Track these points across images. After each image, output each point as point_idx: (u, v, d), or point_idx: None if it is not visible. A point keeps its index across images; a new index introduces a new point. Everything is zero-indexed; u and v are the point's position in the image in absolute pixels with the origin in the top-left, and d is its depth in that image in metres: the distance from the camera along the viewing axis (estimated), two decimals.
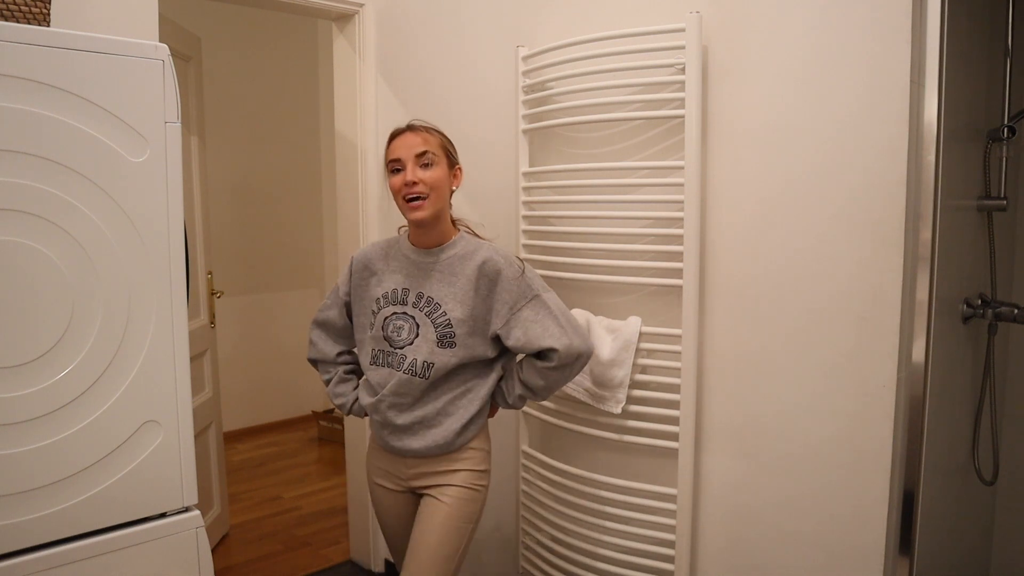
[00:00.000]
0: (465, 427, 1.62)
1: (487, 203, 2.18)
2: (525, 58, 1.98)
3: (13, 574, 1.34)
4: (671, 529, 1.78)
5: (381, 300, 1.65)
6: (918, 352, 1.49)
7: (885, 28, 1.44)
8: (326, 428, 4.27)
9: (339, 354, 1.80)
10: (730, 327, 1.71)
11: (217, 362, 2.95)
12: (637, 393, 1.82)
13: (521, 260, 1.62)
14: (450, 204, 1.65)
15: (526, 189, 2.03)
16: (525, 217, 2.04)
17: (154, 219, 1.49)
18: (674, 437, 1.75)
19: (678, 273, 1.72)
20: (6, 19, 1.53)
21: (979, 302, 1.85)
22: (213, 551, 2.21)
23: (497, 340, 1.62)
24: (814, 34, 1.54)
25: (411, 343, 1.60)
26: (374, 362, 1.66)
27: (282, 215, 4.47)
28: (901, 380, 1.49)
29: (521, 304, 1.57)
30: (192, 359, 1.89)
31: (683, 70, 1.67)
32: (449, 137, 1.63)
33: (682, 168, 1.69)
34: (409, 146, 1.55)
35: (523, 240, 2.04)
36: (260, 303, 4.44)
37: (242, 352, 4.27)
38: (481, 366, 1.64)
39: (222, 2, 2.58)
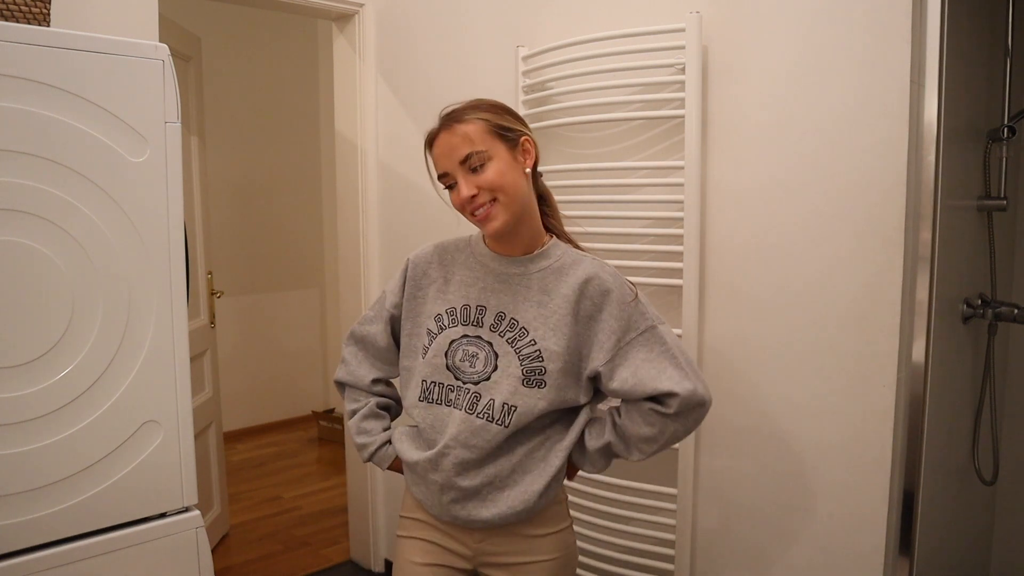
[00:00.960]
0: (548, 485, 1.27)
1: None
2: (525, 58, 1.98)
3: (13, 574, 1.34)
4: (671, 529, 1.78)
5: (445, 317, 1.30)
6: (918, 352, 1.49)
7: (885, 28, 1.44)
8: (326, 428, 4.27)
9: (375, 380, 1.43)
10: (730, 327, 1.71)
11: (217, 362, 2.95)
12: None
13: (633, 285, 1.29)
14: (534, 194, 1.30)
15: None
16: None
17: (154, 219, 1.49)
18: None
19: (678, 273, 1.72)
20: (6, 19, 1.53)
21: (979, 302, 1.85)
22: (213, 551, 2.21)
23: (592, 381, 1.28)
24: (814, 34, 1.54)
25: (487, 378, 1.25)
26: (426, 398, 1.29)
27: (282, 215, 4.47)
28: (901, 380, 1.49)
29: (631, 336, 1.23)
30: (192, 359, 1.89)
31: (683, 70, 1.67)
32: (500, 105, 1.27)
33: (682, 168, 1.69)
34: (449, 154, 1.22)
35: None
36: (260, 303, 4.44)
37: (242, 352, 4.27)
38: (565, 411, 1.30)
39: (222, 2, 2.58)
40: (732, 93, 1.66)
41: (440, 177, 1.25)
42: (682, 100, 1.68)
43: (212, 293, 2.84)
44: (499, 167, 1.21)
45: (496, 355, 1.25)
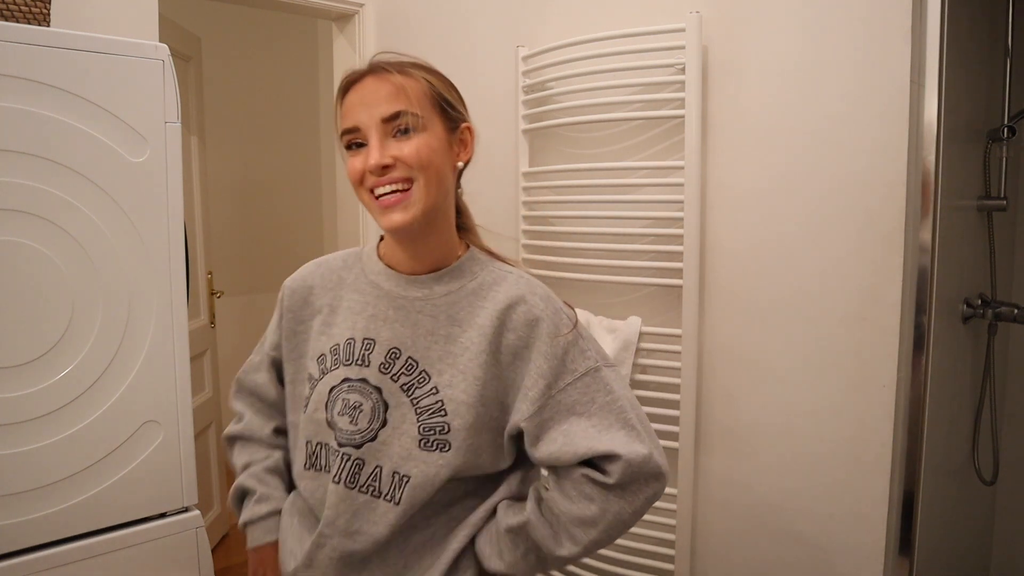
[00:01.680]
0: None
1: (487, 203, 2.17)
2: (525, 58, 1.98)
3: (13, 574, 1.34)
4: (671, 529, 1.78)
5: (328, 357, 0.99)
6: (918, 352, 1.49)
7: (885, 28, 1.44)
8: None
9: (277, 431, 1.12)
10: (730, 327, 1.71)
11: (217, 362, 2.95)
12: (637, 393, 1.82)
13: (573, 310, 0.98)
14: (457, 196, 1.03)
15: (526, 189, 2.03)
16: (525, 217, 2.04)
17: (154, 219, 1.49)
18: (674, 437, 1.75)
19: (678, 273, 1.72)
20: (6, 19, 1.53)
21: (979, 302, 1.85)
22: (213, 551, 2.21)
23: (517, 440, 0.97)
24: (814, 34, 1.53)
25: (373, 437, 0.93)
26: (313, 464, 0.99)
27: (282, 215, 4.47)
28: (901, 380, 1.49)
29: (566, 381, 0.92)
30: (192, 359, 1.89)
31: (683, 70, 1.67)
32: (447, 79, 0.99)
33: (682, 168, 1.69)
34: (371, 104, 0.91)
35: (523, 240, 2.03)
36: (260, 303, 4.43)
37: (242, 352, 4.24)
38: (484, 481, 0.99)
39: (222, 2, 2.58)
40: (732, 93, 1.66)
41: (346, 132, 0.94)
42: (682, 100, 1.68)
43: (212, 293, 2.84)
44: (431, 142, 0.91)
45: (386, 406, 0.93)
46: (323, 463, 0.97)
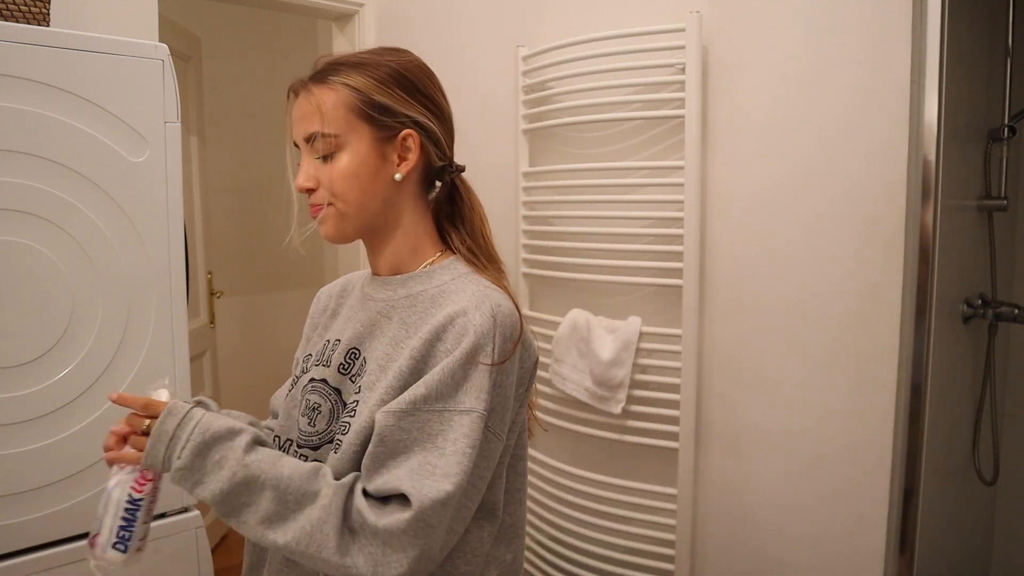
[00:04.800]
0: None
1: (487, 203, 2.17)
2: (525, 58, 1.98)
3: (13, 574, 1.34)
4: (671, 529, 1.78)
5: (312, 358, 0.99)
6: (918, 352, 1.49)
7: (885, 28, 1.44)
8: None
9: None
10: (730, 327, 1.71)
11: (217, 362, 2.95)
12: (637, 393, 1.82)
13: (509, 349, 0.85)
14: (422, 204, 0.96)
15: (526, 189, 2.02)
16: (525, 217, 2.04)
17: (154, 219, 1.49)
18: (674, 437, 1.75)
19: (678, 273, 1.72)
20: (6, 19, 1.53)
21: (979, 302, 1.85)
22: (213, 551, 2.21)
23: None
24: (814, 34, 1.53)
25: (330, 439, 0.89)
26: None
27: (282, 215, 4.47)
28: (901, 380, 1.49)
29: (442, 407, 0.82)
30: (192, 359, 1.89)
31: (683, 70, 1.67)
32: (396, 69, 0.90)
33: (682, 168, 1.69)
34: (297, 122, 0.91)
35: (523, 240, 2.03)
36: (260, 303, 4.43)
37: (242, 352, 4.27)
38: None
39: (222, 2, 2.58)
40: (732, 93, 1.66)
41: (295, 144, 0.93)
42: (682, 100, 1.68)
43: (212, 293, 2.84)
44: (349, 165, 0.87)
45: (344, 406, 0.90)
46: None
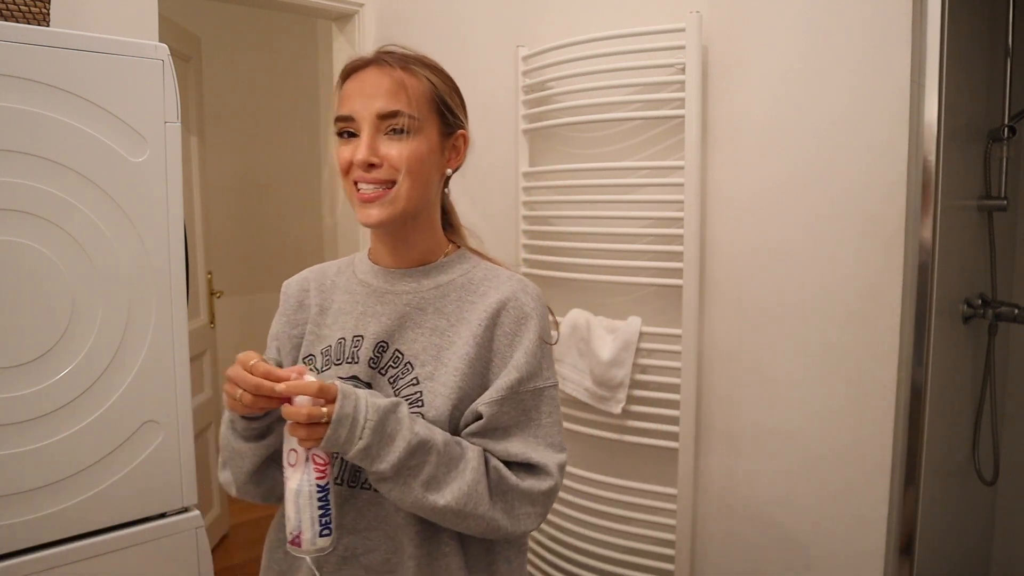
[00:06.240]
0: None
1: (487, 203, 2.18)
2: (525, 58, 1.98)
3: (13, 574, 1.34)
4: (671, 529, 1.78)
5: (318, 359, 0.98)
6: (918, 352, 1.49)
7: (885, 28, 1.44)
8: None
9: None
10: (730, 327, 1.71)
11: (217, 362, 2.95)
12: (637, 393, 1.82)
13: (556, 321, 0.97)
14: (443, 197, 1.02)
15: (526, 189, 2.03)
16: (525, 217, 2.04)
17: (154, 219, 1.49)
18: (674, 437, 1.75)
19: (678, 273, 1.72)
20: (6, 19, 1.53)
21: (979, 302, 1.85)
22: (213, 551, 2.21)
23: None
24: (814, 34, 1.53)
25: None
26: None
27: (282, 215, 4.47)
28: (901, 380, 1.49)
29: (534, 385, 0.93)
30: (192, 359, 1.89)
31: (683, 70, 1.67)
32: (453, 81, 0.98)
33: (682, 168, 1.69)
34: (371, 95, 0.90)
35: (523, 240, 2.03)
36: (260, 303, 4.43)
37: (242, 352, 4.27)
38: None
39: (222, 2, 2.58)
40: (732, 93, 1.66)
41: (340, 119, 0.94)
42: (682, 100, 1.68)
43: (212, 293, 2.83)
44: (421, 149, 0.91)
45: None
46: None
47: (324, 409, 0.81)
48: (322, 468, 0.86)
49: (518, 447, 0.92)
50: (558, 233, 1.96)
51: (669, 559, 1.79)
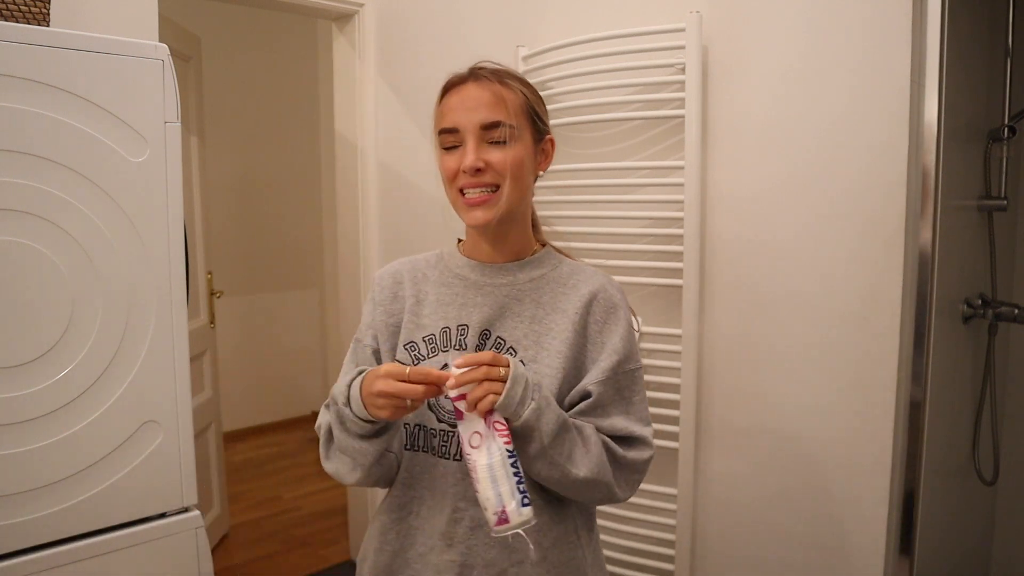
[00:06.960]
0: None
1: None
2: (525, 58, 1.98)
3: (13, 574, 1.34)
4: (671, 529, 1.78)
5: (421, 346, 1.06)
6: (918, 352, 1.49)
7: (885, 28, 1.44)
8: None
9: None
10: (730, 327, 1.71)
11: (217, 362, 2.95)
12: None
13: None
14: (530, 200, 1.11)
15: None
16: None
17: (154, 219, 1.49)
18: (674, 437, 1.75)
19: (678, 273, 1.72)
20: (6, 19, 1.53)
21: (979, 302, 1.85)
22: (213, 551, 2.21)
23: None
24: (814, 34, 1.53)
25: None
26: (411, 445, 1.05)
27: (282, 215, 4.47)
28: (901, 380, 1.49)
29: (630, 367, 1.04)
30: (192, 359, 1.89)
31: (683, 70, 1.67)
32: (535, 89, 1.08)
33: (682, 168, 1.69)
34: (473, 108, 0.99)
35: None
36: (260, 303, 4.43)
37: (242, 352, 4.27)
38: None
39: (222, 2, 2.58)
40: (732, 93, 1.66)
41: (443, 132, 1.01)
42: (682, 100, 1.68)
43: (212, 293, 2.83)
44: (520, 155, 1.00)
45: None
46: (421, 443, 1.04)
47: (502, 371, 0.89)
48: (506, 434, 0.88)
49: (621, 422, 1.02)
50: (558, 233, 1.96)
51: (669, 559, 1.79)
